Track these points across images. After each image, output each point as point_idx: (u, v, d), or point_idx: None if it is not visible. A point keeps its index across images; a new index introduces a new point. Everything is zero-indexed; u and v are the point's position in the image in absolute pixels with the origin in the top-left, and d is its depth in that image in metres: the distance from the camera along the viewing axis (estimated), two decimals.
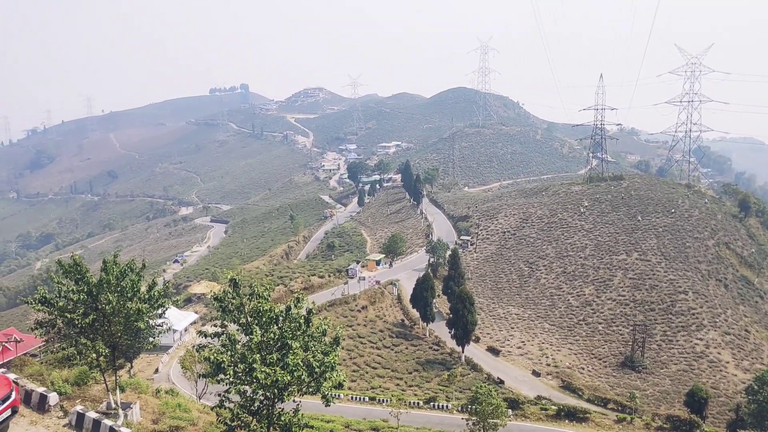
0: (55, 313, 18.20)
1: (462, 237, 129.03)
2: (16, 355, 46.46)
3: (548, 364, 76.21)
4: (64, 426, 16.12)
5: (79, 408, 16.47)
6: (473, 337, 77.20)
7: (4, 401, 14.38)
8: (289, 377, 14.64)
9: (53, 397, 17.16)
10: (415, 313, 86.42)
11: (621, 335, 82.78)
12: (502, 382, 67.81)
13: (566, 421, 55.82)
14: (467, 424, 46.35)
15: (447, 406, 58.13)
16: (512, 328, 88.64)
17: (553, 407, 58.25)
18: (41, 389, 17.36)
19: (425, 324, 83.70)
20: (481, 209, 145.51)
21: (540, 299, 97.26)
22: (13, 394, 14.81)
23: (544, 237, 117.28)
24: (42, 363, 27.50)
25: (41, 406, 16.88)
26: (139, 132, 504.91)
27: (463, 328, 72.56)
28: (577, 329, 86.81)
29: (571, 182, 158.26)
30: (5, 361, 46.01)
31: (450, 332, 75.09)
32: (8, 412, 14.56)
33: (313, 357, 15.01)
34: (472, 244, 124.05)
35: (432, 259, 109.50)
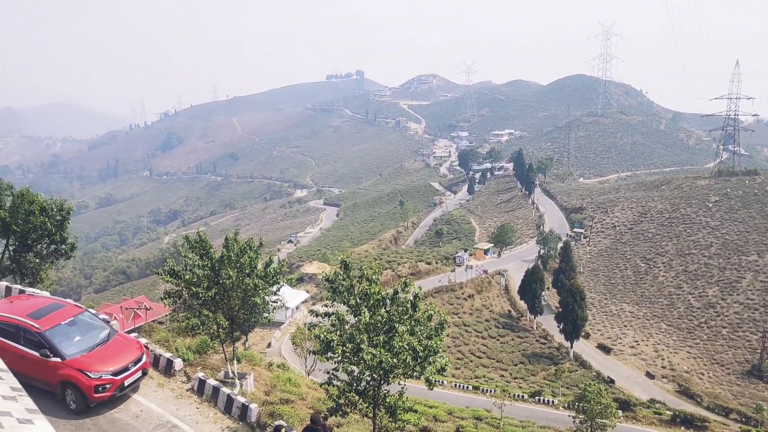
0: (182, 285, 19.45)
1: (575, 229, 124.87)
2: (146, 321, 50.25)
3: (664, 367, 72.37)
4: (187, 390, 17.25)
5: (200, 375, 17.56)
6: (583, 333, 74.74)
7: (136, 363, 15.54)
8: (394, 359, 14.84)
9: (178, 363, 18.38)
10: (522, 305, 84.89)
11: (748, 341, 76.94)
12: (612, 381, 65.23)
13: (682, 428, 52.84)
14: (573, 421, 44.99)
15: (553, 402, 56.78)
16: (625, 326, 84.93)
17: (668, 412, 55.28)
18: (168, 354, 18.64)
19: (533, 316, 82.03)
20: (597, 201, 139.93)
21: (657, 298, 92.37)
22: (144, 357, 15.99)
23: (664, 233, 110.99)
24: (168, 330, 29.51)
25: (167, 370, 18.14)
26: (260, 116, 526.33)
27: (572, 323, 70.38)
28: (698, 332, 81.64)
29: (697, 176, 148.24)
30: (136, 326, 49.89)
31: (558, 326, 73.10)
32: (139, 374, 15.73)
33: (418, 341, 15.11)
34: (585, 237, 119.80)
35: (542, 251, 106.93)
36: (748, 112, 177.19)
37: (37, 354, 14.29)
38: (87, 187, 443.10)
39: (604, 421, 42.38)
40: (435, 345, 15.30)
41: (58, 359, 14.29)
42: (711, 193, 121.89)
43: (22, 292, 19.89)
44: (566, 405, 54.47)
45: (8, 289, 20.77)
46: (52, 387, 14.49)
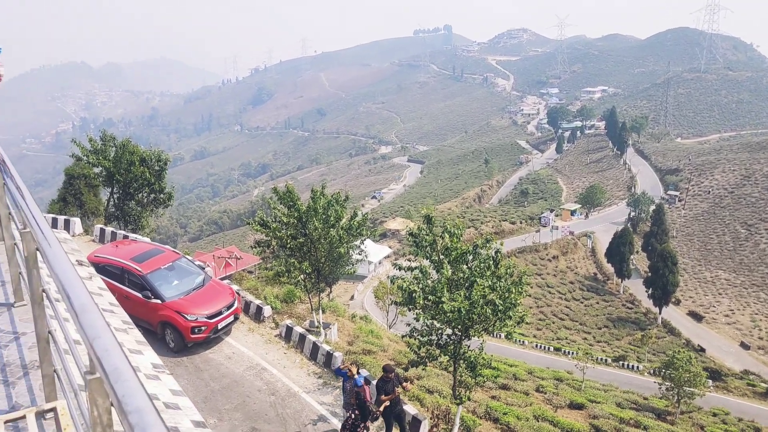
0: (270, 234, 20.23)
1: (669, 192, 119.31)
2: (236, 270, 52.61)
3: (761, 338, 68.90)
4: (275, 336, 18.04)
5: (288, 322, 18.30)
6: (673, 299, 72.10)
7: (228, 308, 16.39)
8: (476, 310, 14.94)
9: (267, 310, 19.22)
10: (609, 268, 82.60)
11: None
12: (703, 350, 62.89)
13: None
14: (659, 388, 43.86)
15: (638, 367, 55.51)
16: (720, 293, 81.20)
17: (762, 384, 52.87)
18: (258, 302, 19.51)
19: (619, 280, 79.77)
20: (695, 163, 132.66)
21: (757, 266, 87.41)
22: (236, 302, 16.82)
23: None
24: (257, 279, 30.79)
25: (257, 316, 19.01)
26: (347, 72, 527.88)
27: (662, 288, 67.96)
28: None
29: None
30: (227, 274, 52.31)
31: (647, 291, 70.79)
32: (231, 318, 16.60)
33: (499, 296, 15.11)
34: (680, 200, 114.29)
35: (633, 213, 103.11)
36: None
37: (139, 295, 15.35)
38: (183, 140, 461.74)
39: (692, 389, 41.09)
40: (514, 298, 15.27)
41: (159, 301, 15.30)
42: None
43: (125, 237, 21.26)
44: (652, 371, 53.05)
45: (113, 234, 22.24)
46: (153, 326, 15.57)
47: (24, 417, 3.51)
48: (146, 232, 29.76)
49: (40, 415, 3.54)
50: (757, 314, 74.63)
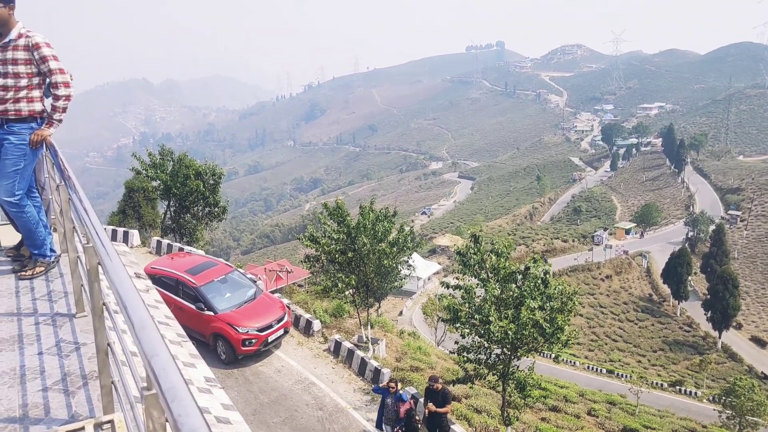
0: (320, 249, 20.47)
1: (730, 211, 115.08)
2: (287, 283, 53.18)
3: None
4: (323, 350, 18.15)
5: (337, 337, 18.41)
6: (734, 323, 69.28)
7: (279, 321, 16.61)
8: (522, 332, 14.76)
9: (317, 324, 19.37)
10: (665, 289, 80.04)
11: None
12: (767, 377, 60.15)
13: None
14: (719, 416, 42.16)
15: (696, 393, 53.43)
16: None
17: None
18: (308, 316, 19.69)
19: (676, 302, 77.18)
20: (758, 182, 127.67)
21: None
22: (286, 316, 17.02)
23: None
24: (307, 293, 31.09)
25: (307, 330, 19.18)
26: (398, 88, 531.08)
27: (722, 311, 65.40)
28: None
29: None
30: (278, 287, 52.95)
31: (705, 314, 68.24)
32: (281, 332, 16.80)
33: (544, 318, 14.88)
34: (742, 221, 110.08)
35: (691, 233, 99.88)
36: None
37: (193, 306, 15.71)
38: (237, 154, 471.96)
39: (755, 419, 39.34)
40: (561, 321, 14.99)
41: (211, 313, 15.62)
42: None
43: (181, 249, 21.83)
44: (711, 398, 51.00)
45: (169, 246, 22.88)
46: (206, 338, 15.89)
47: (83, 428, 3.62)
48: (201, 245, 30.48)
49: (98, 426, 3.65)
50: None
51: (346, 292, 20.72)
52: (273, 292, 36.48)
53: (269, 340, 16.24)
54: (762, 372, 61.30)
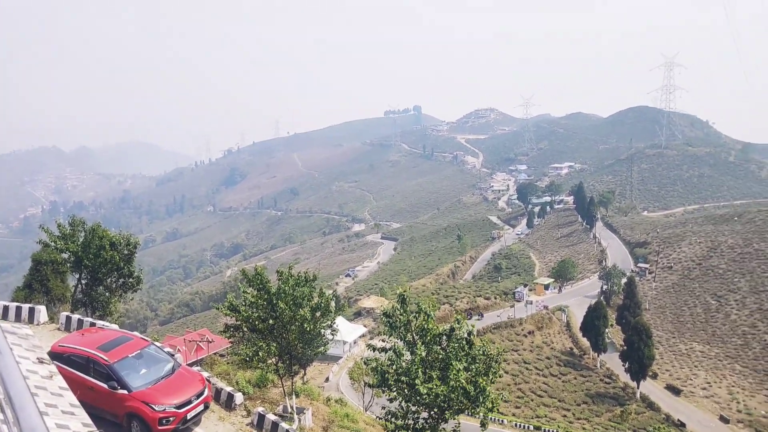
0: (240, 318, 19.98)
1: (639, 264, 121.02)
2: (208, 354, 51.24)
3: (739, 411, 68.42)
4: (246, 425, 17.44)
5: (260, 409, 17.76)
6: (650, 373, 71.76)
7: (198, 396, 15.86)
8: (452, 395, 14.73)
9: (239, 397, 18.65)
10: (584, 342, 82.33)
11: None
12: (683, 425, 62.18)
13: None
14: None
15: None
16: (696, 366, 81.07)
17: None
18: (229, 388, 18.95)
19: (596, 354, 79.41)
20: (662, 235, 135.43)
21: (730, 337, 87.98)
22: (206, 390, 16.28)
23: (736, 268, 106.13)
24: (229, 363, 30.04)
25: (228, 404, 18.42)
26: (319, 152, 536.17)
27: (638, 362, 67.75)
28: None
29: None
30: (198, 358, 50.89)
31: (623, 365, 70.47)
32: (201, 407, 16.02)
33: (469, 381, 14.96)
34: (650, 273, 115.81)
35: (605, 287, 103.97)
36: None
37: (105, 386, 14.78)
38: (155, 221, 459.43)
39: None
40: (483, 384, 15.08)
41: (125, 391, 14.73)
42: None
43: (92, 325, 20.69)
44: None
45: (80, 322, 21.64)
46: (119, 418, 14.91)
47: None
48: (114, 318, 29.04)
49: None
50: (733, 386, 74.46)
51: (269, 361, 20.16)
52: (193, 363, 35.02)
53: (188, 417, 15.42)
54: (678, 420, 63.37)
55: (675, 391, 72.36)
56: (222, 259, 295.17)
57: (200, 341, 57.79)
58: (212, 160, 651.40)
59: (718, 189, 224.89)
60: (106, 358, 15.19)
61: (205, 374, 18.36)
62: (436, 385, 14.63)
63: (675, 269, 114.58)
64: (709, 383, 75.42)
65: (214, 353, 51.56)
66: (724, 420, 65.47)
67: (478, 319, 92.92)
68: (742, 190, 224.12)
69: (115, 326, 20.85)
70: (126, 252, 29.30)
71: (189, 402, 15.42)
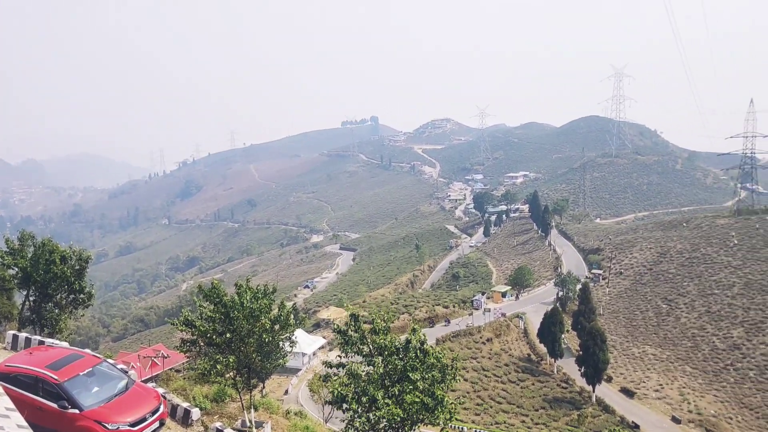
0: (196, 333, 19.68)
1: (593, 270, 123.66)
2: (163, 369, 50.21)
3: (690, 411, 70.43)
4: None
5: (218, 424, 17.51)
6: (605, 377, 73.21)
7: (153, 413, 15.55)
8: (412, 409, 14.82)
9: (196, 413, 18.36)
10: (542, 348, 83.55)
11: None
12: (637, 426, 63.60)
13: None
14: None
15: None
16: (648, 369, 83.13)
17: None
18: (185, 404, 18.64)
19: (553, 360, 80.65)
20: (614, 242, 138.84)
21: (680, 340, 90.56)
22: (162, 407, 15.99)
23: (685, 273, 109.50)
24: (185, 379, 29.50)
25: (185, 420, 18.11)
26: (277, 163, 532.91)
27: (593, 366, 69.09)
28: (724, 374, 79.64)
29: (716, 215, 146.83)
30: (153, 374, 49.81)
31: (579, 370, 71.71)
32: (157, 424, 15.71)
33: (426, 392, 15.11)
34: (604, 279, 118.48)
35: (561, 293, 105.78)
36: (765, 150, 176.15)
37: (55, 405, 14.38)
38: (107, 235, 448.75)
39: None
40: (441, 395, 15.24)
41: (76, 411, 14.36)
42: (731, 232, 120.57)
43: (41, 343, 20.11)
44: None
45: (27, 340, 21.01)
46: None
47: None
48: (65, 336, 28.23)
49: None
50: (684, 388, 76.59)
51: (227, 375, 19.91)
52: (148, 380, 34.27)
53: None
54: (632, 422, 64.79)
55: (629, 393, 73.99)
56: (178, 273, 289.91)
57: (155, 357, 56.60)
58: (167, 172, 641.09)
59: (666, 196, 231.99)
60: (55, 377, 14.80)
61: (161, 390, 18.04)
62: (393, 408, 14.72)
63: (627, 275, 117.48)
64: (661, 385, 77.40)
65: (170, 369, 50.56)
66: (676, 420, 67.26)
67: (445, 325, 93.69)
68: (689, 197, 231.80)
69: (65, 344, 20.31)
70: (77, 267, 28.56)
71: (144, 419, 15.13)
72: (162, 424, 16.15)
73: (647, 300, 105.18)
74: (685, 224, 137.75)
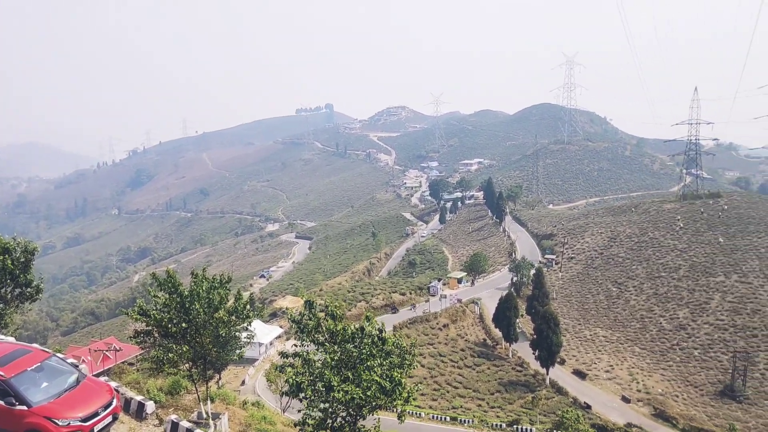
0: (152, 323, 19.25)
1: (546, 255, 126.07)
2: (116, 363, 49.15)
3: (639, 390, 72.78)
4: None
5: (173, 417, 17.21)
6: (558, 359, 74.93)
7: (106, 408, 15.17)
8: (367, 393, 14.83)
9: (150, 406, 18.01)
10: (497, 333, 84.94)
11: (719, 362, 77.95)
12: (589, 407, 65.38)
13: None
14: None
15: (531, 430, 56.61)
16: (600, 350, 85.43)
17: None
18: (139, 397, 18.27)
19: (508, 344, 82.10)
20: (567, 227, 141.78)
21: (629, 321, 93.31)
22: (115, 401, 15.60)
23: (634, 256, 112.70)
24: (138, 371, 28.92)
25: (139, 413, 17.75)
26: (230, 151, 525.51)
27: (547, 350, 70.64)
28: (671, 354, 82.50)
29: (663, 200, 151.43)
30: (106, 368, 48.71)
31: (534, 353, 73.26)
32: (109, 419, 15.34)
33: (384, 375, 15.16)
34: (556, 263, 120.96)
35: (515, 278, 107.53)
36: (709, 136, 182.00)
37: (2, 403, 13.89)
38: (54, 227, 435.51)
39: None
40: (398, 377, 15.33)
41: (24, 407, 13.88)
42: (677, 216, 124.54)
43: None
44: None
45: None
46: None
47: None
48: (11, 331, 27.26)
49: None
50: (634, 368, 79.03)
51: (182, 366, 19.57)
52: (100, 374, 33.48)
53: (95, 430, 14.74)
54: (584, 402, 66.60)
55: (581, 375, 75.95)
56: (129, 264, 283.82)
57: (107, 350, 55.26)
58: (116, 161, 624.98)
59: (616, 182, 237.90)
60: (1, 373, 14.30)
61: (113, 384, 17.63)
62: (351, 389, 14.71)
63: (579, 259, 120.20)
64: (611, 366, 79.68)
65: (123, 362, 49.58)
66: (626, 400, 69.43)
67: (393, 313, 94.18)
68: (637, 182, 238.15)
69: (11, 339, 19.66)
70: (23, 259, 27.54)
71: (96, 414, 14.74)
72: (115, 418, 15.78)
73: (598, 284, 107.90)
74: (633, 209, 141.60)
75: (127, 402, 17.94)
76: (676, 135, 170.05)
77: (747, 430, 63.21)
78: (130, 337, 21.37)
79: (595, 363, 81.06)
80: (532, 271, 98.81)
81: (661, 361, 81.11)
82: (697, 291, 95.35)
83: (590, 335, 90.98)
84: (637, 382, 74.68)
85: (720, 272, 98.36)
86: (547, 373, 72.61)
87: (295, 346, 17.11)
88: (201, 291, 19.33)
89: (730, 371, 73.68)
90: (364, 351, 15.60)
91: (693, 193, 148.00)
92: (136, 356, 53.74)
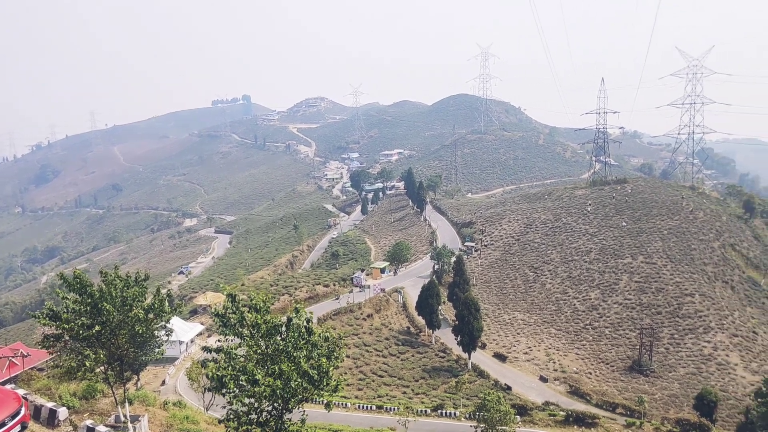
0: (62, 326, 18.34)
1: (466, 243, 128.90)
2: (23, 369, 46.57)
3: (555, 370, 75.96)
4: None
5: (88, 422, 16.50)
6: (479, 344, 76.99)
7: (13, 417, 14.37)
8: (293, 384, 14.71)
9: (62, 412, 17.19)
10: (420, 321, 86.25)
11: (628, 339, 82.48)
12: (509, 388, 67.58)
13: (575, 426, 55.62)
14: (475, 431, 46.20)
15: (455, 414, 57.93)
16: (518, 333, 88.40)
17: (561, 413, 58.02)
18: (50, 404, 17.40)
19: (431, 331, 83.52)
20: (485, 215, 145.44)
21: (546, 304, 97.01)
22: (23, 409, 14.80)
23: (549, 242, 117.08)
24: (49, 377, 27.57)
25: (51, 421, 16.91)
26: (143, 145, 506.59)
27: (469, 335, 72.40)
28: (584, 334, 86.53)
29: (575, 186, 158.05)
30: (12, 375, 46.07)
31: (456, 339, 74.94)
32: (17, 429, 14.55)
33: (312, 366, 15.09)
34: (476, 250, 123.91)
35: (437, 266, 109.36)
36: (615, 125, 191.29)
37: None
38: None
39: (503, 427, 43.84)
40: (326, 367, 15.32)
41: None
42: (588, 202, 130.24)
43: None
44: (468, 416, 55.80)
45: None
46: None
47: None
48: None
49: None
50: (550, 348, 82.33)
51: (97, 370, 18.76)
52: (6, 382, 31.67)
53: None
54: (505, 384, 68.81)
55: (501, 358, 78.35)
56: (36, 265, 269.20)
57: (13, 357, 52.23)
58: (18, 156, 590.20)
59: (530, 170, 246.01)
60: None
61: (21, 392, 16.71)
62: (272, 381, 14.56)
63: (497, 246, 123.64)
64: (530, 348, 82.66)
65: (32, 368, 47.08)
66: (543, 380, 72.28)
67: (335, 300, 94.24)
68: (550, 170, 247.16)
69: None
70: None
71: (2, 424, 13.94)
72: (24, 427, 14.97)
73: (516, 269, 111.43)
74: (547, 196, 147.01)
75: (37, 409, 17.06)
76: (586, 124, 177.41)
77: (654, 402, 67.22)
78: (38, 342, 20.33)
79: (514, 346, 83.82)
80: (453, 259, 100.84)
81: (575, 341, 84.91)
82: (606, 273, 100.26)
83: (509, 319, 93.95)
84: (554, 362, 77.88)
85: (627, 254, 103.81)
86: (470, 358, 74.47)
87: (219, 341, 16.73)
88: (113, 290, 18.57)
89: (638, 347, 78.08)
90: (289, 343, 15.43)
91: (602, 179, 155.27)
92: (46, 361, 51.20)
